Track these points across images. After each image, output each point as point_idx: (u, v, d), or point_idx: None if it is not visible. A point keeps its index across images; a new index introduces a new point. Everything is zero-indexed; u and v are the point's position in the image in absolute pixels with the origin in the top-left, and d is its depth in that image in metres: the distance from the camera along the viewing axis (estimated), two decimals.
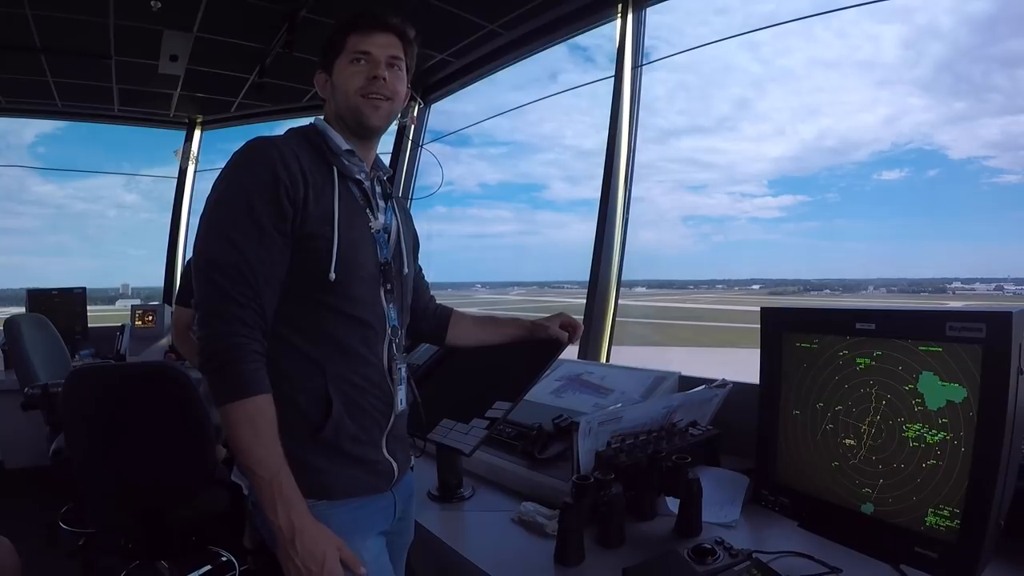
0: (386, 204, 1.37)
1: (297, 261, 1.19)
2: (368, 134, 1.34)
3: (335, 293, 1.21)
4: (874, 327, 1.28)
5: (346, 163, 1.29)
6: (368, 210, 1.31)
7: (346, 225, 1.23)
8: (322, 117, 1.37)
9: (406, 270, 1.40)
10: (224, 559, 3.18)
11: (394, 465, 1.32)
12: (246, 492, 1.24)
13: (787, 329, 1.44)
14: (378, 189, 1.37)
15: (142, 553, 2.55)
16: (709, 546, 1.28)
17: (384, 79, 1.29)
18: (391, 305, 1.32)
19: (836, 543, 1.31)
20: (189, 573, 2.99)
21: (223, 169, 1.20)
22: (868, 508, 1.27)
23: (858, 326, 1.30)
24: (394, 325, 1.33)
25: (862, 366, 1.29)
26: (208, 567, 3.10)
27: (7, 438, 4.41)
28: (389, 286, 1.31)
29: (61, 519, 3.69)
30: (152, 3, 3.52)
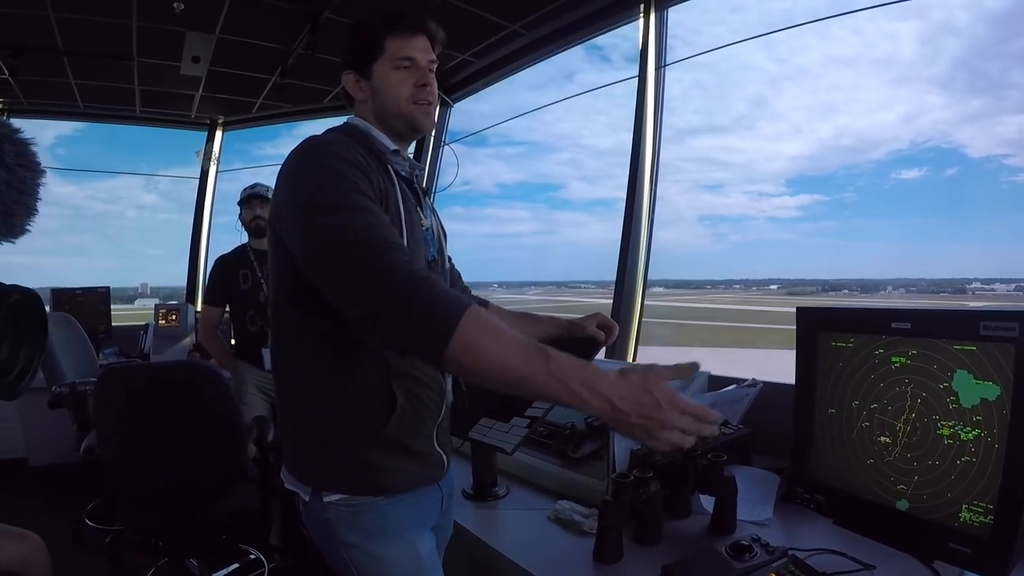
0: (426, 201, 1.39)
1: None
2: (415, 137, 1.36)
3: None
4: (909, 326, 1.30)
5: (394, 162, 1.29)
6: (418, 208, 1.32)
7: (407, 224, 1.23)
8: (354, 116, 1.36)
9: (447, 265, 1.42)
10: (253, 557, 3.22)
11: (444, 457, 1.34)
12: (306, 498, 1.25)
13: (823, 328, 1.45)
14: (417, 187, 1.38)
15: (171, 551, 2.57)
16: (746, 543, 1.29)
17: (430, 86, 1.30)
18: None
19: (870, 540, 1.32)
20: (218, 570, 3.02)
21: (291, 171, 1.20)
22: (903, 505, 1.28)
23: (893, 325, 1.31)
24: None
25: (897, 365, 1.30)
26: (236, 565, 3.14)
27: (32, 436, 4.47)
28: None
29: (88, 516, 3.72)
30: (175, 5, 3.56)
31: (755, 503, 1.56)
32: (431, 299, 0.98)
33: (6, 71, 4.31)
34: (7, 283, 0.64)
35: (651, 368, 0.96)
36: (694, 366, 1.00)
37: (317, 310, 1.18)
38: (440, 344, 0.96)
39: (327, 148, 1.19)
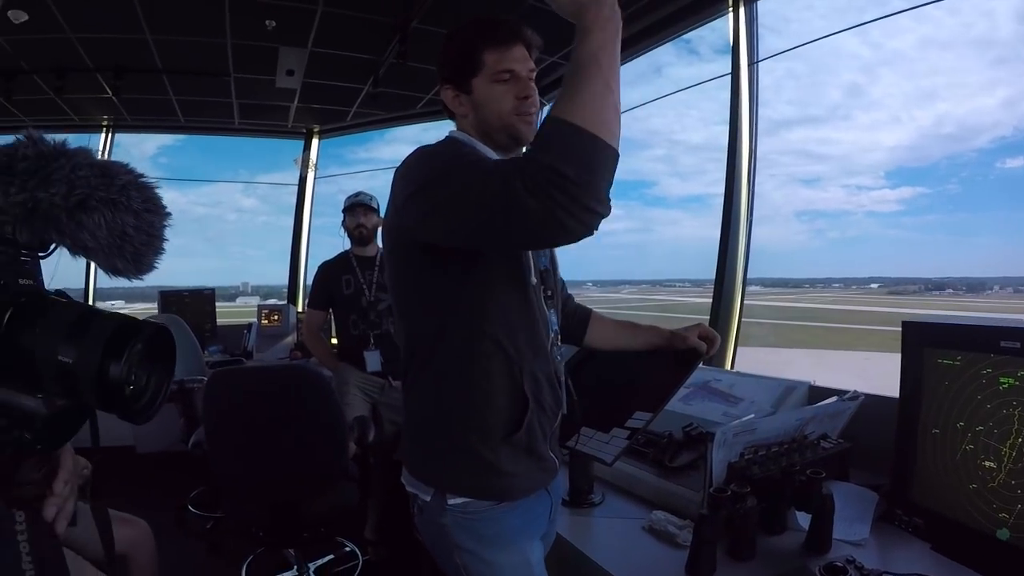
0: None
1: (499, 263, 1.22)
2: (519, 149, 1.34)
3: (532, 295, 1.26)
4: (1019, 345, 1.25)
5: None
6: None
7: None
8: (455, 130, 1.36)
9: (559, 274, 1.43)
10: (348, 549, 3.35)
11: (557, 462, 1.36)
12: (426, 498, 1.28)
13: (929, 344, 1.41)
14: None
15: (271, 540, 2.69)
16: (841, 564, 1.27)
17: (532, 96, 1.29)
18: (551, 310, 1.35)
19: (968, 568, 1.28)
20: (314, 560, 3.16)
21: (405, 173, 1.20)
22: (1004, 534, 1.24)
23: (1003, 344, 1.27)
24: (555, 330, 1.36)
25: (1006, 386, 1.26)
26: (331, 556, 3.27)
27: (140, 426, 4.75)
28: (549, 292, 1.34)
29: (191, 503, 3.97)
30: (267, 22, 3.73)
31: (852, 521, 1.52)
32: (545, 146, 0.97)
33: (109, 91, 4.59)
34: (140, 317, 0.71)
35: None
36: None
37: (456, 312, 1.22)
38: (594, 141, 0.95)
39: (436, 151, 1.22)
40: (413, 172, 1.19)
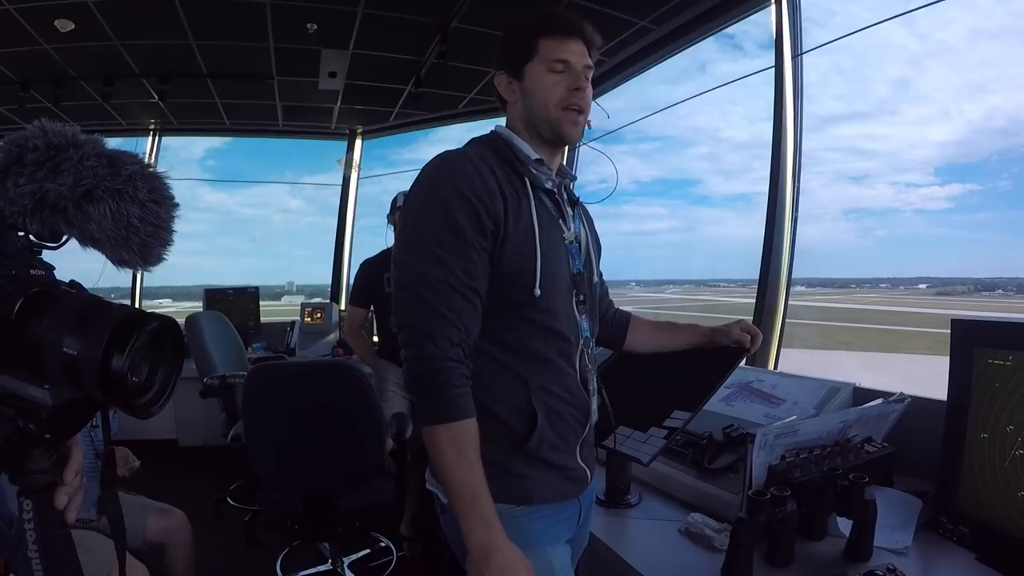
0: (574, 212, 1.35)
1: (500, 278, 1.19)
2: (561, 146, 1.32)
3: (538, 308, 1.21)
4: None
5: (535, 172, 1.26)
6: (560, 220, 1.29)
7: (545, 240, 1.21)
8: (503, 123, 1.34)
9: (595, 279, 1.39)
10: (383, 544, 3.38)
11: (587, 472, 1.32)
12: (444, 500, 1.25)
13: (979, 344, 1.35)
14: (565, 196, 1.34)
15: (307, 534, 2.74)
16: (881, 573, 1.23)
17: (583, 91, 1.26)
18: (583, 316, 1.31)
19: None
20: (349, 555, 3.20)
21: (418, 184, 1.21)
22: None
23: None
24: (587, 336, 1.32)
25: None
26: (367, 551, 3.31)
27: (183, 420, 4.89)
28: (582, 297, 1.30)
29: (230, 495, 4.07)
30: (308, 26, 3.80)
31: (894, 528, 1.46)
32: (436, 386, 1.13)
33: (155, 95, 4.73)
34: (147, 311, 0.70)
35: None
36: None
37: None
38: (424, 423, 1.15)
39: (453, 172, 1.18)
40: (416, 190, 1.22)
